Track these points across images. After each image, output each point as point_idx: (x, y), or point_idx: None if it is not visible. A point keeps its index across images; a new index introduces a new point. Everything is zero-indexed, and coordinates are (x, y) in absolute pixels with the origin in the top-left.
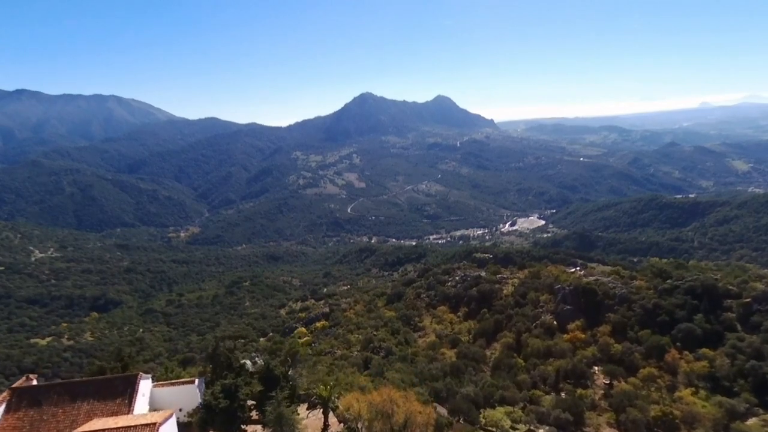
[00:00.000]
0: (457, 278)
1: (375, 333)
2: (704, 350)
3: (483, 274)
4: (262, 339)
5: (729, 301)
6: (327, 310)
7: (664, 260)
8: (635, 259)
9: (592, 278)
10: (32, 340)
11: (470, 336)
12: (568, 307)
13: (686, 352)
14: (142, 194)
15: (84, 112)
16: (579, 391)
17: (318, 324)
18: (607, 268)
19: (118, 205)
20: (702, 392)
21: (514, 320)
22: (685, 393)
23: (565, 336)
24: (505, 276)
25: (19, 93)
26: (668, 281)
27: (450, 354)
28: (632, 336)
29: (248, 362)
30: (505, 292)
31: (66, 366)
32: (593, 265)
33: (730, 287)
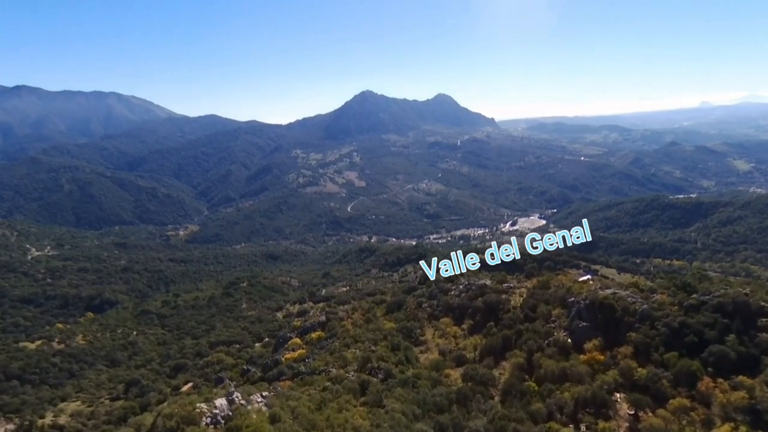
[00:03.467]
0: (461, 287)
1: (373, 349)
2: (741, 378)
3: (488, 282)
4: (257, 344)
5: (764, 320)
6: (323, 318)
7: (666, 262)
8: (638, 260)
9: (609, 291)
10: (21, 344)
11: (476, 353)
12: (584, 323)
13: (720, 380)
14: (141, 192)
15: (84, 109)
16: (601, 423)
17: (313, 334)
18: (623, 278)
19: (117, 202)
20: (742, 428)
21: (524, 337)
22: (724, 429)
23: (581, 357)
24: (511, 285)
25: (19, 89)
26: (694, 296)
27: (455, 375)
28: (657, 359)
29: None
30: (512, 303)
31: (54, 372)
32: (597, 267)
33: (764, 304)
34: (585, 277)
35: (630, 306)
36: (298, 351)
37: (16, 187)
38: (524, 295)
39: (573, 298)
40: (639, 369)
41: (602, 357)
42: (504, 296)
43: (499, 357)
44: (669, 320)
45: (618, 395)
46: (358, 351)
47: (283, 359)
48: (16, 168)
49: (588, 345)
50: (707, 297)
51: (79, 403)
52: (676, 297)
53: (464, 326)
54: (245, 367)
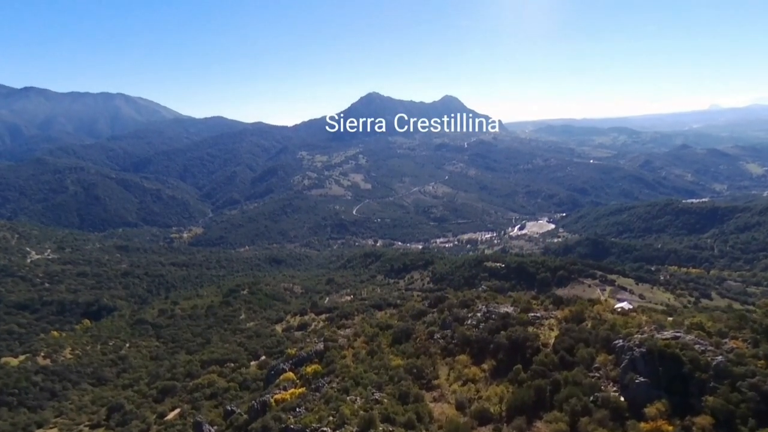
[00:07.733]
0: (479, 315)
1: (377, 397)
2: None
3: (511, 310)
4: (253, 363)
5: None
6: (321, 347)
7: (683, 269)
8: (652, 268)
9: (668, 335)
10: (2, 360)
11: (502, 406)
12: (642, 379)
13: None
14: (145, 193)
15: (91, 110)
16: None
17: (308, 369)
18: (681, 315)
19: (121, 204)
20: None
21: (563, 392)
22: None
23: (642, 425)
24: (538, 315)
25: (27, 90)
26: None
27: None
28: None
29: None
30: (542, 339)
31: (35, 392)
32: (613, 276)
33: None
34: (622, 304)
35: (700, 357)
36: (290, 390)
37: (21, 188)
38: (555, 328)
39: (622, 342)
40: None
41: (671, 427)
42: (531, 329)
43: (531, 415)
44: (757, 381)
45: None
46: (359, 400)
47: (272, 401)
48: (21, 169)
49: (650, 409)
50: None
51: (56, 430)
52: (759, 347)
53: (485, 366)
54: (229, 407)
